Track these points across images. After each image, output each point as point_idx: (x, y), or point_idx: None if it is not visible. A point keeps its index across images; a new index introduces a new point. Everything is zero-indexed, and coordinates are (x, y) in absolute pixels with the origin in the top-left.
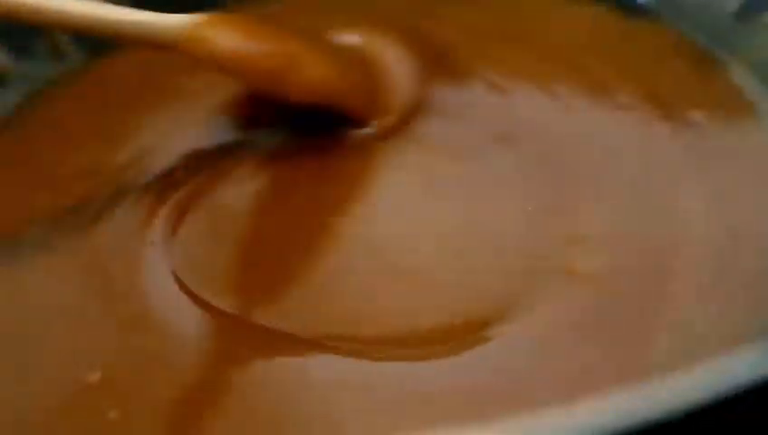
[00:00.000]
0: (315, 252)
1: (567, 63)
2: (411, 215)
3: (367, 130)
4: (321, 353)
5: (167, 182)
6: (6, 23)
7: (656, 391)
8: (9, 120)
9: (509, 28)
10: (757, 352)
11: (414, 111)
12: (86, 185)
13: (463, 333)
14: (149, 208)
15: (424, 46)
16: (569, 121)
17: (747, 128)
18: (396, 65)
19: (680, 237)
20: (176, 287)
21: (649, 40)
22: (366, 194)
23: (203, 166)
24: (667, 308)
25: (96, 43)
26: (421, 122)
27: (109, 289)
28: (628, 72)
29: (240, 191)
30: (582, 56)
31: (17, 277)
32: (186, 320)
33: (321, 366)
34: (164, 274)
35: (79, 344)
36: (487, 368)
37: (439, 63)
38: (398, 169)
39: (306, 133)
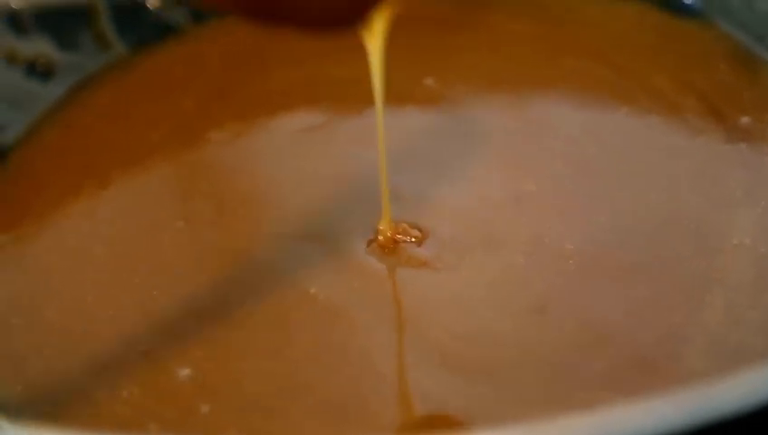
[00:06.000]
0: None
1: (609, 64)
2: None
3: None
4: None
5: None
6: (55, 15)
7: (688, 400)
8: (57, 110)
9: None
10: None
11: None
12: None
13: None
14: None
15: None
16: (612, 125)
17: None
18: None
19: (722, 245)
20: None
21: (694, 40)
22: None
23: None
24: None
25: (140, 36)
26: None
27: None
28: (674, 73)
29: None
30: (624, 56)
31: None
32: None
33: None
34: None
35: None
36: None
37: None
38: None
39: None
